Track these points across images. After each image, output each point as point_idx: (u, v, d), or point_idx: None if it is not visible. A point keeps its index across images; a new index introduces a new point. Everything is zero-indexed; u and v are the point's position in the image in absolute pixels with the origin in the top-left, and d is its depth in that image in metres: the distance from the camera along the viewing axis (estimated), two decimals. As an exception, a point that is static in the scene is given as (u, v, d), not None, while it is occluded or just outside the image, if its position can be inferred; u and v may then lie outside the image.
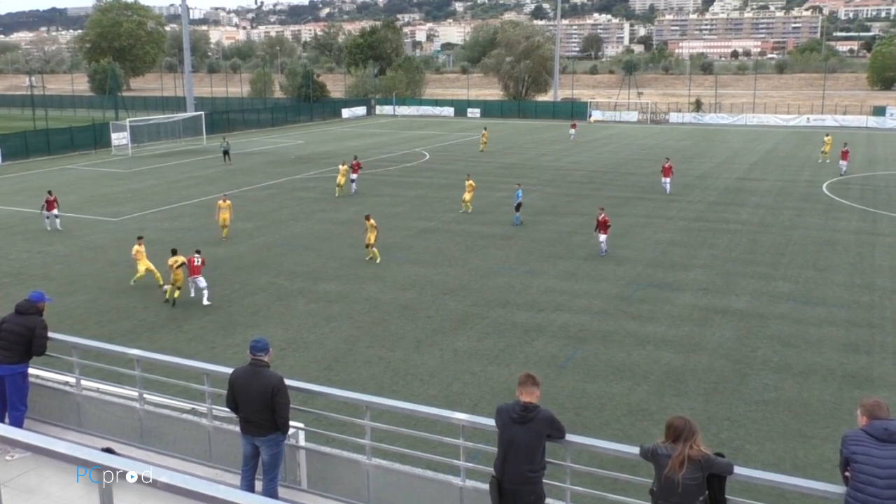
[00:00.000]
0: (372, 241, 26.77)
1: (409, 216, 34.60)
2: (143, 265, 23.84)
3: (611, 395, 16.21)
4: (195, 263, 22.41)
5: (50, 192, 32.24)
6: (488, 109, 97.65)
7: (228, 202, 30.70)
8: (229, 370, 8.30)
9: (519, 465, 6.83)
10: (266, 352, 8.05)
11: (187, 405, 9.47)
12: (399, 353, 18.58)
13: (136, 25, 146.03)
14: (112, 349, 9.90)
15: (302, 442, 8.62)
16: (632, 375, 17.20)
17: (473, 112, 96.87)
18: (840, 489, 6.38)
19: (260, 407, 7.81)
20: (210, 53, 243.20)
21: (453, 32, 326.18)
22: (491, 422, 7.11)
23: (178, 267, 22.29)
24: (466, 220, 33.36)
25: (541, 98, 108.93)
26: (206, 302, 22.27)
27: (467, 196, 35.21)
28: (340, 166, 40.59)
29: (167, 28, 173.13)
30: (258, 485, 8.11)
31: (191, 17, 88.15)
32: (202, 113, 69.40)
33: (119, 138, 60.04)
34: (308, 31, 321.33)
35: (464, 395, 16.20)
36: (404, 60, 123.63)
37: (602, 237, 27.41)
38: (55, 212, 31.75)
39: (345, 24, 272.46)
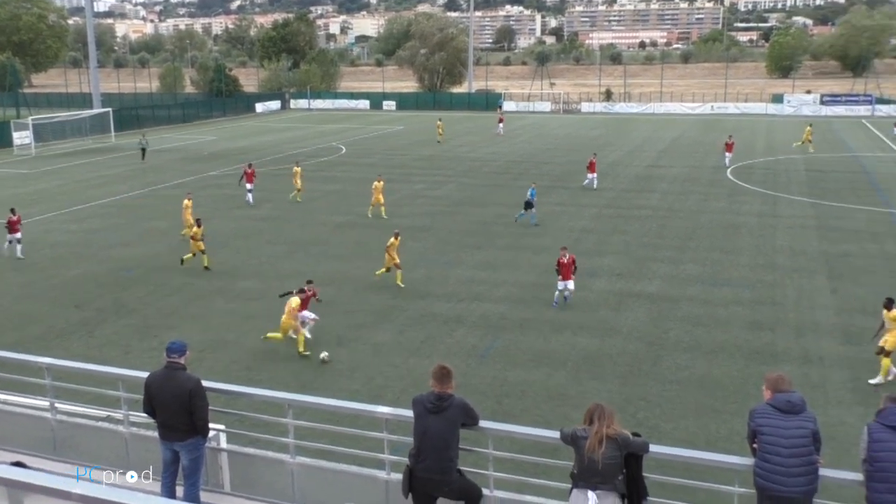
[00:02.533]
0: (396, 259, 23.09)
1: (326, 211, 34.32)
2: (290, 323, 18.25)
3: (530, 381, 16.54)
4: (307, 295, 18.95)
5: (13, 211, 27.05)
6: (404, 102, 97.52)
7: (189, 201, 29.61)
8: (145, 374, 8.13)
9: (434, 455, 6.94)
10: (181, 353, 7.91)
11: (102, 413, 9.23)
12: (320, 349, 18.46)
13: (36, 19, 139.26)
14: (20, 358, 9.54)
15: (223, 444, 8.53)
16: (550, 361, 17.58)
17: (389, 105, 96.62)
18: (749, 461, 6.76)
19: (177, 410, 7.69)
20: (116, 47, 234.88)
21: (367, 25, 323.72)
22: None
23: (199, 239, 25.01)
24: (385, 212, 33.24)
25: (456, 90, 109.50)
26: (307, 335, 18.58)
27: (380, 198, 32.40)
28: (295, 168, 36.88)
29: (70, 21, 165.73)
30: (179, 491, 7.98)
31: (95, 9, 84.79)
32: (110, 109, 67.13)
33: (21, 137, 57.48)
34: (219, 24, 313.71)
35: (386, 388, 16.26)
36: (318, 53, 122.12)
37: (562, 285, 20.95)
38: (18, 235, 26.70)
39: (257, 16, 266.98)
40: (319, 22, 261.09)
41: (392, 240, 23.12)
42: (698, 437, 14.02)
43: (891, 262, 25.12)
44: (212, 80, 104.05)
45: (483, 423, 7.37)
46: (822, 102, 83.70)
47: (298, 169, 36.85)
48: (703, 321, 19.99)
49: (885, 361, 16.06)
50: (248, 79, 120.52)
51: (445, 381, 7.10)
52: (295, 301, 18.12)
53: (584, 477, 6.53)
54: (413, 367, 17.26)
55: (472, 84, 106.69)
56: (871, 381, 16.10)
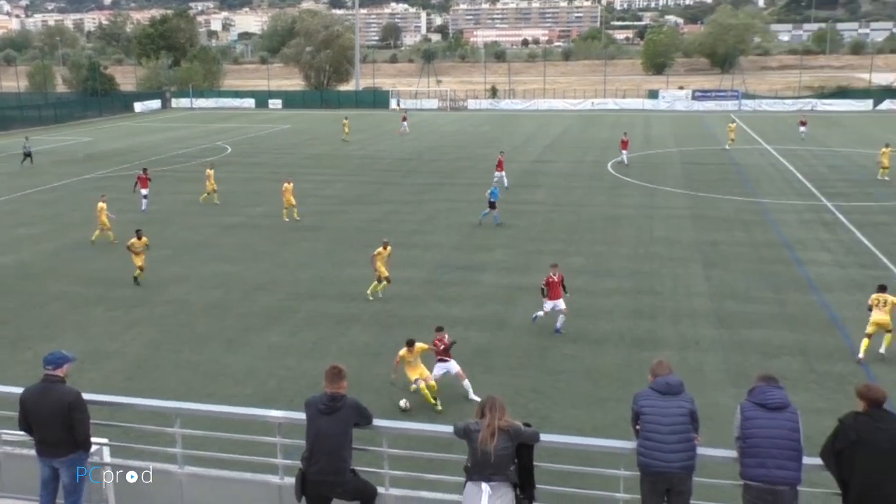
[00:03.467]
0: (384, 271, 21.72)
1: (212, 212, 33.42)
2: (418, 371, 15.52)
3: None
4: (441, 345, 15.80)
5: None
6: (290, 100, 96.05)
7: (104, 203, 28.12)
8: (19, 390, 7.73)
9: (326, 457, 6.93)
10: (57, 365, 7.56)
11: (-28, 433, 8.70)
12: (209, 355, 18.02)
13: None
14: None
15: (107, 458, 8.22)
16: (444, 357, 17.71)
17: (275, 103, 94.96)
18: (633, 444, 7.10)
19: (56, 426, 7.36)
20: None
21: (250, 21, 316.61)
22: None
23: (138, 252, 23.15)
24: (274, 213, 32.65)
25: (343, 88, 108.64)
26: (472, 396, 15.31)
27: (290, 199, 31.57)
28: (208, 170, 35.55)
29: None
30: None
31: (-51, 3, 79.36)
32: (-30, 110, 63.10)
33: None
34: (91, 20, 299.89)
35: (280, 391, 16.03)
36: (200, 51, 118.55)
37: (549, 305, 19.09)
38: None
39: (132, 12, 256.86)
40: (200, 18, 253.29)
41: (380, 249, 21.73)
42: (586, 424, 14.50)
43: (757, 250, 26.69)
44: (86, 78, 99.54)
45: (377, 422, 7.43)
46: (694, 98, 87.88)
47: (211, 171, 35.69)
48: (589, 312, 20.65)
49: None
50: (126, 77, 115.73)
51: (336, 380, 7.11)
52: (403, 353, 15.24)
53: (478, 469, 6.69)
54: (307, 368, 17.07)
55: (359, 82, 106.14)
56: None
